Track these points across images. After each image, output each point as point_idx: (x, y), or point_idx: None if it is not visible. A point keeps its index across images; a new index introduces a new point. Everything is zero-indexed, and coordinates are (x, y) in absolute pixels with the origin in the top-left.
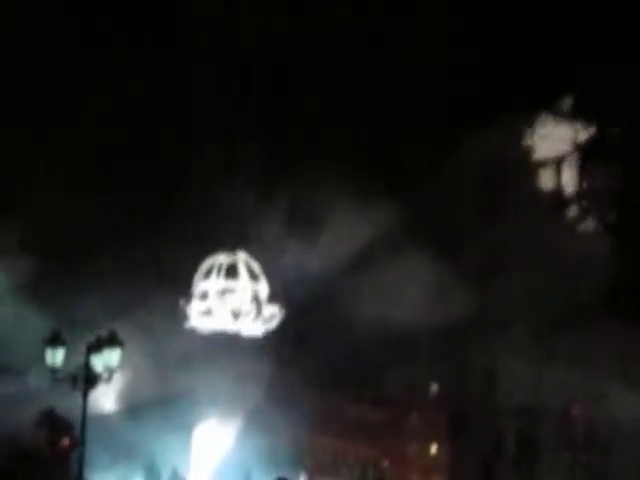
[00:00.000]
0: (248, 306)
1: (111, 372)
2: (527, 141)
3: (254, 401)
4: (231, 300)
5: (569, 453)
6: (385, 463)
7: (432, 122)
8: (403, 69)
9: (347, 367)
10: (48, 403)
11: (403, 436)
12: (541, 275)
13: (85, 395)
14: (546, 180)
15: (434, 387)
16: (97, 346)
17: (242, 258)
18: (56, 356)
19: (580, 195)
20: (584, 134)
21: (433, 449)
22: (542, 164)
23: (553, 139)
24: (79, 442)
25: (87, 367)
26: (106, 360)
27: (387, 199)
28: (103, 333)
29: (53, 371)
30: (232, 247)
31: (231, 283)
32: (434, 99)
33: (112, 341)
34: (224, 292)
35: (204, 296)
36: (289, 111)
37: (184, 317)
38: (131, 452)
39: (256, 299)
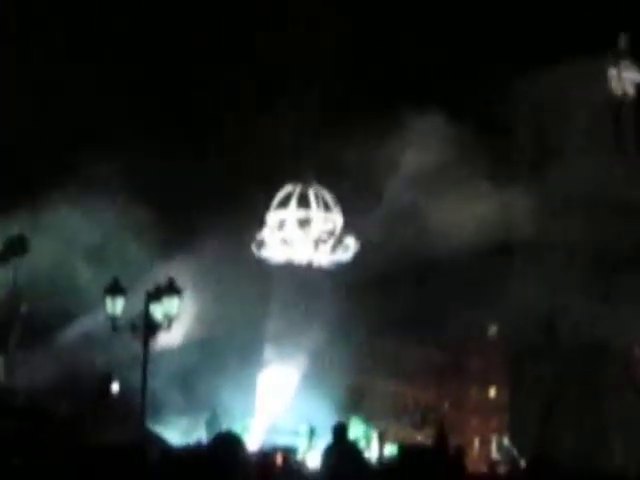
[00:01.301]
0: (325, 236)
1: (170, 320)
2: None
3: (319, 341)
4: (310, 230)
5: (633, 394)
6: (445, 407)
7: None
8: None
9: (410, 309)
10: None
11: (463, 380)
12: (602, 215)
13: (146, 344)
14: (607, 122)
15: (493, 329)
16: (156, 294)
17: (315, 188)
18: (116, 305)
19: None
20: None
21: (492, 392)
22: (605, 105)
23: (615, 80)
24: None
25: (147, 316)
26: (165, 308)
27: (453, 131)
28: (162, 281)
29: (113, 319)
30: (305, 177)
31: (308, 213)
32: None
33: (171, 289)
34: (303, 222)
35: (281, 225)
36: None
37: (259, 246)
38: (196, 397)
39: (333, 229)
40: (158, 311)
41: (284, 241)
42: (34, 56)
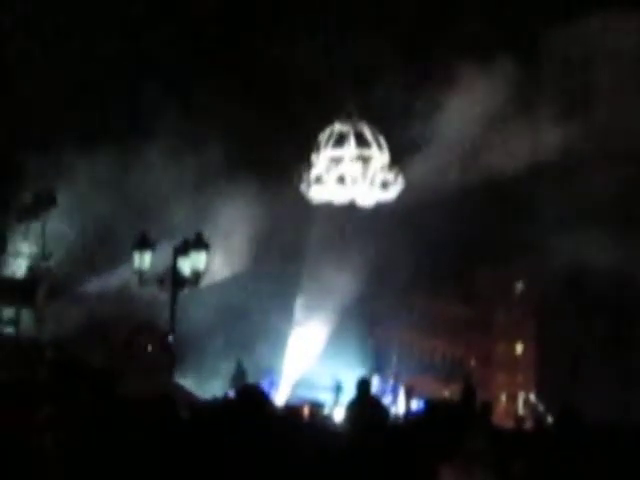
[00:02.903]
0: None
1: (198, 275)
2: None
3: (350, 296)
4: (369, 167)
5: None
6: (472, 362)
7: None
8: None
9: (435, 264)
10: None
11: (490, 335)
12: (629, 171)
13: (173, 299)
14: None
15: (520, 285)
16: (184, 249)
17: (365, 126)
18: (144, 259)
19: None
20: None
21: (519, 348)
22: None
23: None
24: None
25: (174, 270)
26: (193, 263)
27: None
28: (190, 235)
29: (141, 274)
30: (350, 115)
31: (364, 150)
32: None
33: (199, 244)
34: (362, 159)
35: (335, 162)
36: None
37: (307, 185)
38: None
39: (384, 167)
40: (186, 266)
41: (340, 179)
42: None
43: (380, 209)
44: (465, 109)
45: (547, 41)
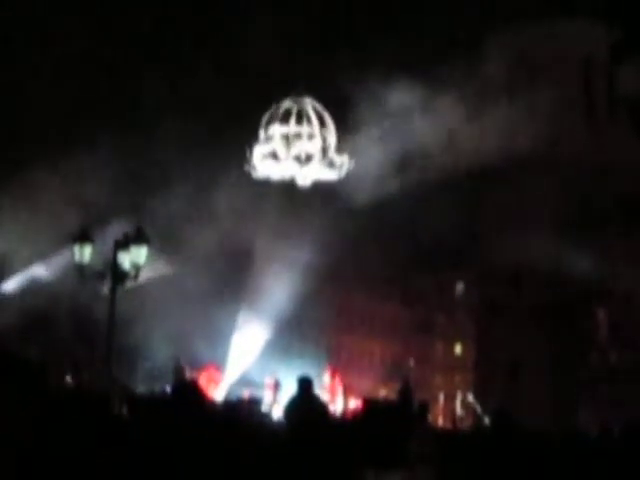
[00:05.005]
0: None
1: (138, 269)
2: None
3: (293, 295)
4: (303, 145)
5: (596, 355)
6: (411, 362)
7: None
8: None
9: (377, 264)
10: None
11: (429, 336)
12: (568, 178)
13: (113, 293)
14: (575, 83)
15: (460, 287)
16: (124, 243)
17: (310, 104)
18: (84, 253)
19: (610, 98)
20: (613, 35)
21: (458, 349)
22: (571, 66)
23: (582, 40)
24: None
25: (114, 264)
26: (133, 257)
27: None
28: (130, 230)
29: (81, 268)
30: (300, 92)
31: (311, 128)
32: None
33: (139, 238)
34: (310, 137)
35: (287, 139)
36: None
37: (252, 165)
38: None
39: (326, 147)
40: (126, 260)
41: (298, 157)
42: None
43: (327, 204)
44: (416, 110)
45: (494, 47)
